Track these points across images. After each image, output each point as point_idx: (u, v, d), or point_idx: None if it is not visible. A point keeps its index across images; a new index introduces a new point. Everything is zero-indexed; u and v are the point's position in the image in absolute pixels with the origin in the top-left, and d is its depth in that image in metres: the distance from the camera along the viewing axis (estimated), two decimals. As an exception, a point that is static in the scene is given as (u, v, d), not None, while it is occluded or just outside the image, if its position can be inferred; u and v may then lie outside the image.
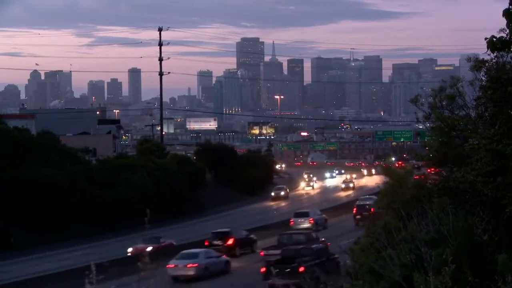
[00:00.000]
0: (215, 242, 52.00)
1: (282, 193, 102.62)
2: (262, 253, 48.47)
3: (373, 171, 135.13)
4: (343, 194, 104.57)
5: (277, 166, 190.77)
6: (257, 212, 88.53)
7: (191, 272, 43.97)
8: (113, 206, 73.09)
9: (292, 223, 64.92)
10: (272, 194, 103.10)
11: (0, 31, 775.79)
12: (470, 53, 20.64)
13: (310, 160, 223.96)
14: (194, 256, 45.29)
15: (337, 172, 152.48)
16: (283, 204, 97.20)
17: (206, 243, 52.21)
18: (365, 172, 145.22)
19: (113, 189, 76.58)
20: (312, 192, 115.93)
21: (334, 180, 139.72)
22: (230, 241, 52.49)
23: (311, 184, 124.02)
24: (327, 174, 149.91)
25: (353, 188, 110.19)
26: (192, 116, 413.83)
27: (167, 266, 43.86)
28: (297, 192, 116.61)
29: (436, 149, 22.69)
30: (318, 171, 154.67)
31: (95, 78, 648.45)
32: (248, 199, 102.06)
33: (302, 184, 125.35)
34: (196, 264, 44.37)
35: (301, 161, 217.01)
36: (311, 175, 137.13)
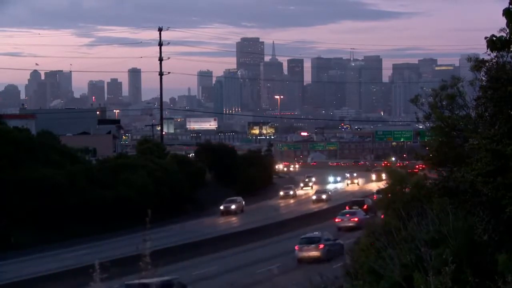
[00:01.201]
0: (354, 207, 68.53)
1: (233, 206, 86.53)
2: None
3: (383, 175, 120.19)
4: (313, 206, 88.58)
5: (291, 167, 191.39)
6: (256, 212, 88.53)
7: (352, 224, 61.76)
8: (113, 206, 73.10)
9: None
10: (221, 208, 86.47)
11: (0, 31, 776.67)
12: (470, 53, 20.65)
13: (310, 161, 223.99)
14: (354, 213, 65.04)
15: (348, 175, 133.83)
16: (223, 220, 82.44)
17: (347, 208, 68.64)
18: (373, 176, 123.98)
19: (113, 189, 76.59)
20: (292, 201, 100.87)
21: (337, 185, 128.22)
22: (365, 206, 70.13)
23: (291, 193, 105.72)
24: (331, 178, 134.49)
25: (327, 199, 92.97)
26: (192, 116, 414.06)
27: (335, 220, 64.27)
28: (273, 202, 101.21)
29: (436, 149, 22.69)
30: (324, 172, 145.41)
31: (95, 78, 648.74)
32: (248, 199, 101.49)
33: (281, 193, 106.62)
34: (356, 218, 62.77)
35: (287, 162, 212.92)
36: (313, 179, 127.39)
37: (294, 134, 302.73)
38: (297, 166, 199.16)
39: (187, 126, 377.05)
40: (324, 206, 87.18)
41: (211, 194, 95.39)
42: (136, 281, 40.06)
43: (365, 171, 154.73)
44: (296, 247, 49.07)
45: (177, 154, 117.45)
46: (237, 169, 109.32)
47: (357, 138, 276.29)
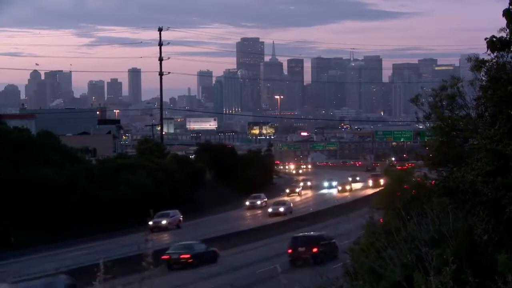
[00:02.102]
0: None
1: (164, 222, 73.04)
2: None
3: (381, 181, 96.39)
4: (269, 220, 76.27)
5: (303, 167, 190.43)
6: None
7: None
8: (113, 206, 73.15)
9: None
10: (150, 223, 66.02)
11: (0, 31, 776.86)
12: (470, 53, 20.63)
13: (310, 161, 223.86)
14: None
15: (350, 179, 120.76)
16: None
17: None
18: (370, 182, 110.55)
19: (113, 189, 76.62)
20: (259, 212, 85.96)
21: (332, 190, 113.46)
22: None
23: (258, 203, 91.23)
24: (325, 183, 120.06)
25: (285, 213, 78.96)
26: (192, 116, 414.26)
27: None
28: (236, 214, 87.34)
29: (436, 149, 22.69)
30: (330, 174, 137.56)
31: (95, 78, 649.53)
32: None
33: (247, 203, 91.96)
34: None
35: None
36: (308, 183, 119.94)
37: (294, 134, 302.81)
38: (309, 166, 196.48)
39: (187, 126, 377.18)
40: (281, 219, 75.02)
41: (211, 194, 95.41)
42: (301, 234, 49.43)
43: (365, 171, 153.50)
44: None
45: (177, 154, 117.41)
46: (237, 169, 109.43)
47: (357, 138, 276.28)
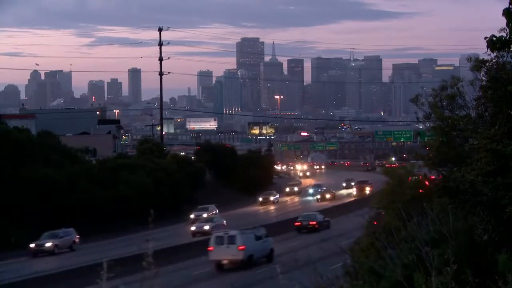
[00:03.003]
0: None
1: (49, 244, 59.87)
2: None
3: (367, 189, 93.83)
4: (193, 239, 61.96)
5: (315, 167, 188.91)
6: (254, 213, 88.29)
7: None
8: (113, 206, 73.15)
9: None
10: (32, 245, 59.96)
11: (0, 31, 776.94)
12: (470, 53, 20.65)
13: (310, 161, 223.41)
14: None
15: (344, 185, 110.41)
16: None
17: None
18: (354, 191, 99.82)
19: (113, 189, 76.63)
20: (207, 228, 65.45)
21: (317, 197, 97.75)
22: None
23: (204, 215, 74.77)
24: (311, 190, 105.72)
25: (211, 232, 59.04)
26: (192, 116, 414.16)
27: None
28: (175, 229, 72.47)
29: (436, 149, 22.70)
30: (332, 176, 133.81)
31: (95, 78, 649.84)
32: (248, 199, 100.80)
33: (192, 216, 76.91)
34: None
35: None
36: (295, 188, 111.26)
37: (294, 134, 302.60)
38: (323, 167, 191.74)
39: (187, 126, 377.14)
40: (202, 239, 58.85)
41: (211, 194, 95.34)
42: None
43: (365, 171, 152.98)
44: None
45: (177, 154, 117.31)
46: (237, 169, 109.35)
47: (357, 138, 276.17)
